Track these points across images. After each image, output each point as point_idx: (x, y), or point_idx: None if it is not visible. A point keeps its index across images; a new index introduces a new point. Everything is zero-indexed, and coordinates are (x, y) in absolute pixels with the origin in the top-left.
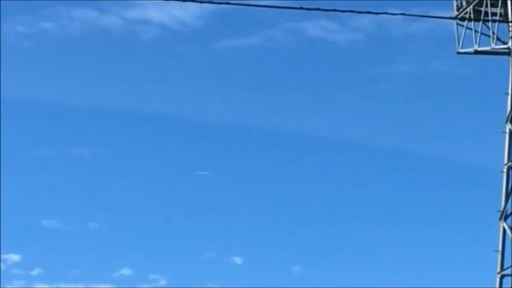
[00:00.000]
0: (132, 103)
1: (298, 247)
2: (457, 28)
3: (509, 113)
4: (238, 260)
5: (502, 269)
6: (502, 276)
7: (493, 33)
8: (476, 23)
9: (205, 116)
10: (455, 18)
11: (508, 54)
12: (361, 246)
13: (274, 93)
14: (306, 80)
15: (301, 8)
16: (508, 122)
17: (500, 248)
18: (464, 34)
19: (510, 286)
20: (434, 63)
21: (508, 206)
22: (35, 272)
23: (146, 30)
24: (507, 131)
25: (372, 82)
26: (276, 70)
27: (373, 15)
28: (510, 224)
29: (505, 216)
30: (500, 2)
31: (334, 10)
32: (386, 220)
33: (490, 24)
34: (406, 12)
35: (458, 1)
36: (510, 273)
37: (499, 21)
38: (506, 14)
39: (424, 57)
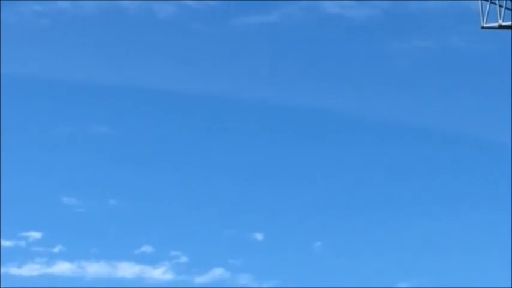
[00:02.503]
0: (150, 81)
1: (319, 224)
2: (481, 3)
3: None
4: (259, 237)
5: None
6: None
7: None
8: None
9: (223, 93)
10: None
11: None
12: (383, 223)
13: (291, 70)
14: (323, 57)
15: None
16: None
17: None
18: (489, 9)
19: None
20: (452, 38)
21: None
22: (56, 250)
23: (163, 8)
24: None
25: (389, 58)
26: (293, 47)
27: None
28: None
29: None
30: None
31: None
32: (413, 197)
33: None
34: None
35: None
36: None
37: None
38: None
39: (442, 33)
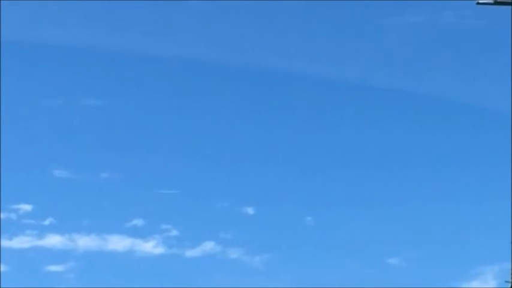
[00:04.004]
0: (142, 47)
1: (311, 197)
2: None
3: None
4: (250, 210)
5: None
6: None
7: None
8: None
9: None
10: None
11: None
12: (374, 194)
13: (284, 39)
14: (314, 30)
15: None
16: None
17: None
18: None
19: None
20: (444, 14)
21: None
22: (46, 222)
23: None
24: None
25: (381, 33)
26: (284, 18)
27: None
28: None
29: None
30: None
31: None
32: (399, 167)
33: None
34: None
35: None
36: None
37: None
38: None
39: (434, 8)
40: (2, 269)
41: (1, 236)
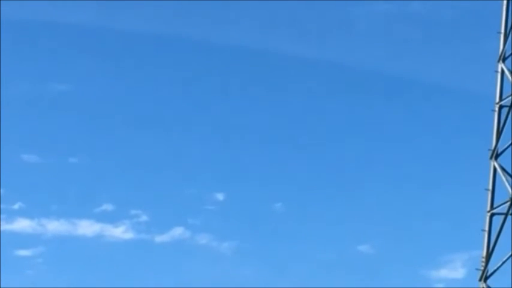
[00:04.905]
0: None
1: (280, 185)
2: None
3: (502, 52)
4: (220, 197)
5: (492, 207)
6: (492, 215)
7: None
8: None
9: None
10: None
11: None
12: (343, 178)
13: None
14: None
15: None
16: (500, 61)
17: (490, 187)
18: None
19: (500, 224)
20: (413, 4)
21: (499, 144)
22: (16, 206)
23: None
24: (499, 70)
25: (349, 21)
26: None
27: None
28: (500, 163)
29: (495, 155)
30: None
31: None
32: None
33: None
34: None
35: None
36: (500, 211)
37: None
38: None
39: None
40: None
41: None
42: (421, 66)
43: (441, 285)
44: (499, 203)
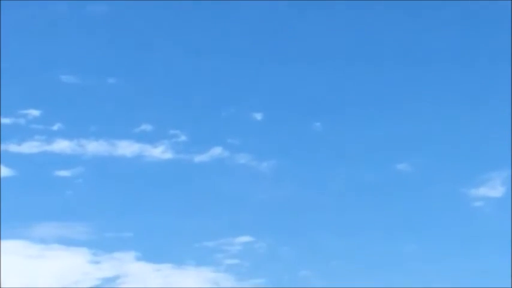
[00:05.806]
0: None
1: (319, 104)
2: None
3: None
4: (258, 116)
5: None
6: None
7: None
8: None
9: None
10: None
11: None
12: (383, 95)
13: None
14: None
15: None
16: None
17: None
18: None
19: None
20: None
21: None
22: (55, 127)
23: None
24: None
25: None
26: None
27: None
28: None
29: None
30: None
31: None
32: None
33: None
34: None
35: None
36: None
37: None
38: None
39: None
40: (10, 174)
41: (10, 141)
42: None
43: (480, 203)
44: None
